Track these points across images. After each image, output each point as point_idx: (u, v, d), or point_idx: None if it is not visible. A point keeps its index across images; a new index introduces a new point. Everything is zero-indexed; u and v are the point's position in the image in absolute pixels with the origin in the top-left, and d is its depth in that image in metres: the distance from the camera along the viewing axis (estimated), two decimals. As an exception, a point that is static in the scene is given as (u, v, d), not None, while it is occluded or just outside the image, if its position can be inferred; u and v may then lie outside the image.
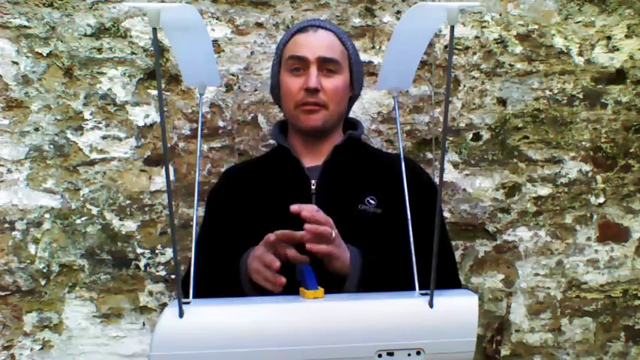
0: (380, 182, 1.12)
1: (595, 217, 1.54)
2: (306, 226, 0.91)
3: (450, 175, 1.50)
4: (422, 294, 0.82)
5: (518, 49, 1.51)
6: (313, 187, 1.10)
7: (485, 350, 1.50)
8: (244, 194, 1.14)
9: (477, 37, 1.51)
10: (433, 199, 1.15)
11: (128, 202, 1.43)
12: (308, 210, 0.92)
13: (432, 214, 1.08)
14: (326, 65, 1.08)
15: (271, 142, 1.41)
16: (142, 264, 1.43)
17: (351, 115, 1.44)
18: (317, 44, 1.09)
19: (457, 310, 0.80)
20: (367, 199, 1.10)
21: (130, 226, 1.43)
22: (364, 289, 0.95)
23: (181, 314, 0.74)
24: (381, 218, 1.08)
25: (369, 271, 0.98)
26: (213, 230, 1.13)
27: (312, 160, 1.14)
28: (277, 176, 1.13)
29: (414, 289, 0.84)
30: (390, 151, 1.47)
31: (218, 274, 1.03)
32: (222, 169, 1.40)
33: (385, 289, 0.87)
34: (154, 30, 0.66)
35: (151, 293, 1.43)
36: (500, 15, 1.51)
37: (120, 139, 1.43)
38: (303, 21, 1.19)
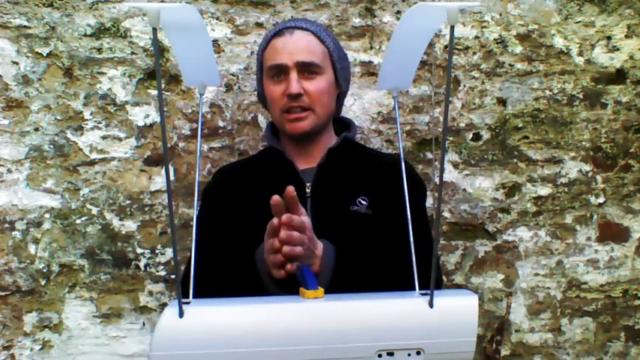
0: (371, 183, 1.12)
1: (595, 217, 1.54)
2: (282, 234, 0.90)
3: (450, 175, 1.50)
4: (422, 294, 0.82)
5: (518, 49, 1.51)
6: (308, 191, 1.10)
7: (485, 350, 1.50)
8: (238, 196, 1.13)
9: (477, 37, 1.51)
10: (420, 199, 1.16)
11: (128, 202, 1.43)
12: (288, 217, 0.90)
13: (418, 212, 1.09)
14: (306, 68, 1.07)
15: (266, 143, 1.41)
16: (142, 264, 1.43)
17: (351, 115, 1.45)
18: (294, 48, 1.07)
19: (457, 310, 0.80)
20: (359, 200, 1.10)
21: (130, 226, 1.43)
22: (337, 288, 0.93)
23: (181, 314, 0.74)
24: (372, 219, 1.08)
25: (342, 270, 0.97)
26: (208, 230, 1.11)
27: (305, 162, 1.14)
28: (272, 179, 1.13)
29: (394, 289, 0.84)
30: (390, 151, 1.47)
31: (224, 275, 1.02)
32: (222, 169, 1.40)
33: (361, 289, 0.86)
34: (154, 30, 0.66)
35: (151, 293, 1.43)
36: (500, 15, 1.51)
37: (120, 139, 1.43)
38: (279, 24, 1.17)
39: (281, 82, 1.08)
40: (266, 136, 1.19)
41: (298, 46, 1.07)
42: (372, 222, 1.07)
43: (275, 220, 0.91)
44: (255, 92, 1.45)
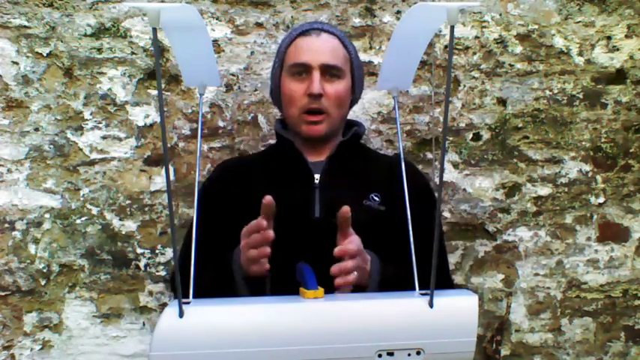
0: (382, 181, 1.12)
1: (595, 217, 1.54)
2: (333, 268, 0.90)
3: (450, 175, 1.50)
4: (422, 294, 0.81)
5: (518, 49, 1.51)
6: (316, 181, 1.10)
7: (485, 350, 1.50)
8: (243, 187, 1.12)
9: (477, 37, 1.51)
10: (430, 202, 1.16)
11: (128, 202, 1.43)
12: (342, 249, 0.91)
13: (429, 216, 1.09)
14: (329, 70, 1.08)
15: (271, 142, 1.41)
16: (142, 264, 1.43)
17: (351, 115, 1.44)
18: (320, 50, 1.08)
19: (457, 310, 0.80)
20: (372, 196, 1.10)
21: (130, 226, 1.43)
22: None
23: (181, 314, 0.74)
24: (385, 215, 1.08)
25: (387, 280, 0.98)
26: (210, 226, 1.08)
27: (314, 156, 1.14)
28: (279, 169, 1.13)
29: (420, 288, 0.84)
30: (390, 151, 1.47)
31: (216, 273, 1.02)
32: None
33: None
34: (154, 30, 0.66)
35: (151, 293, 1.43)
36: (500, 15, 1.51)
37: (120, 139, 1.43)
38: (304, 23, 1.17)
39: (303, 80, 1.09)
40: (275, 128, 1.18)
41: (324, 48, 1.08)
42: (386, 218, 1.07)
43: (264, 223, 0.89)
44: (256, 92, 1.45)
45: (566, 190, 1.53)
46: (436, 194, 1.15)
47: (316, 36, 1.09)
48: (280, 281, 0.90)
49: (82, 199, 1.41)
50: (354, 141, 1.16)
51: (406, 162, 1.03)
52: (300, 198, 1.09)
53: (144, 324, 1.44)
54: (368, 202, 1.09)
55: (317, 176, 1.10)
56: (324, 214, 1.07)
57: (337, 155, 1.12)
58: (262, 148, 1.45)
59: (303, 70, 1.08)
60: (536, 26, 1.52)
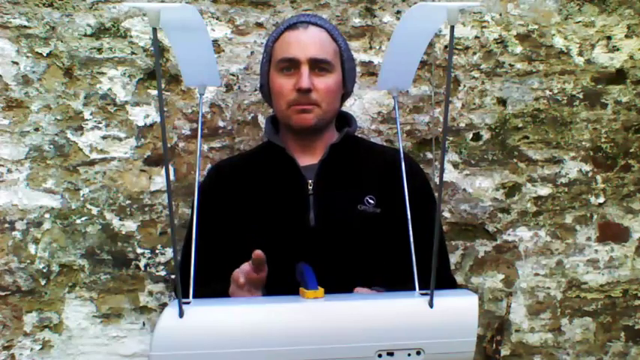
0: (377, 180, 1.11)
1: (595, 217, 1.54)
2: None
3: (450, 175, 1.50)
4: (422, 294, 0.81)
5: (518, 49, 1.51)
6: (310, 188, 1.09)
7: (485, 350, 1.50)
8: (237, 194, 1.11)
9: (476, 37, 1.51)
10: (428, 200, 1.15)
11: (128, 202, 1.43)
12: None
13: (428, 214, 1.08)
14: (317, 65, 1.06)
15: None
16: (142, 264, 1.43)
17: (351, 113, 1.44)
18: (308, 43, 1.06)
19: (457, 310, 0.80)
20: (366, 199, 1.09)
21: (130, 226, 1.43)
22: None
23: (181, 314, 0.74)
24: (380, 218, 1.07)
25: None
26: (205, 233, 1.03)
27: (307, 158, 1.12)
28: (272, 176, 1.11)
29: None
30: (390, 151, 1.47)
31: (209, 288, 1.01)
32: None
33: None
34: (154, 30, 0.66)
35: (150, 293, 1.43)
36: (500, 15, 1.51)
37: (120, 139, 1.43)
38: (292, 17, 1.15)
39: (291, 75, 1.07)
40: (266, 131, 1.17)
41: (312, 42, 1.06)
42: (381, 221, 1.07)
43: (240, 280, 0.92)
44: (256, 92, 1.45)
45: (566, 190, 1.53)
46: (436, 194, 1.14)
47: (304, 29, 1.07)
48: (277, 292, 0.90)
49: (82, 199, 1.41)
50: (346, 142, 1.13)
51: (406, 158, 1.01)
52: (294, 206, 1.08)
53: (144, 324, 1.44)
54: (363, 207, 1.08)
55: (310, 182, 1.09)
56: (320, 222, 1.06)
57: (329, 159, 1.11)
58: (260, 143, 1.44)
59: (291, 65, 1.07)
60: (536, 26, 1.52)
